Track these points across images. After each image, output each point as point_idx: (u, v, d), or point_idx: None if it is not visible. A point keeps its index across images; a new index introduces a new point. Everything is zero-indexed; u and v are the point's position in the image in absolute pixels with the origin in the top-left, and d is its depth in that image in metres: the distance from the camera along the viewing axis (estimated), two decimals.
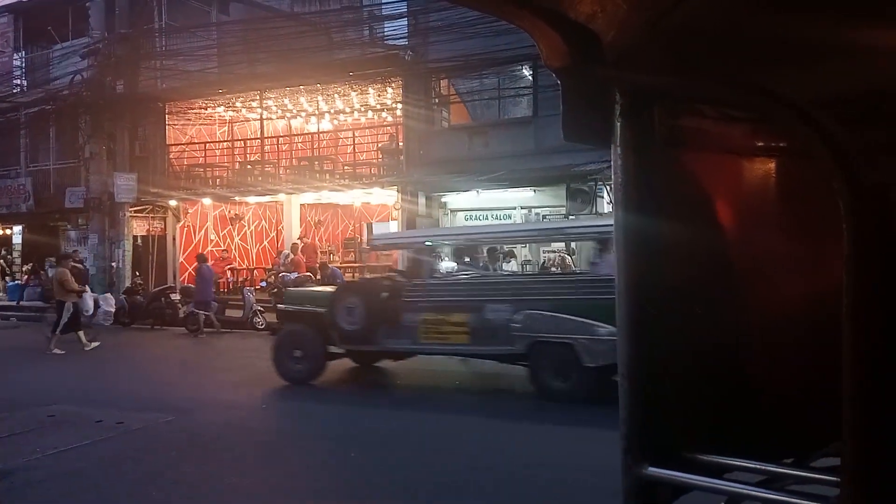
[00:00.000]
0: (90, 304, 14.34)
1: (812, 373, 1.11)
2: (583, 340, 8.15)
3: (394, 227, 18.08)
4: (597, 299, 8.16)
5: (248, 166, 19.54)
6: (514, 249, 16.78)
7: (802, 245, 1.26)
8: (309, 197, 19.44)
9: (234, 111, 20.87)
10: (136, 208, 19.46)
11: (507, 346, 8.58)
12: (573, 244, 16.13)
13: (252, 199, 19.83)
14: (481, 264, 11.85)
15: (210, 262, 19.28)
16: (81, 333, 12.87)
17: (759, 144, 1.24)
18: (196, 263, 16.59)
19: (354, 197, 19.46)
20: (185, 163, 20.43)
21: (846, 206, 0.82)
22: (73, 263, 14.46)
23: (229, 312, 16.27)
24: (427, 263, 9.69)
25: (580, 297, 8.45)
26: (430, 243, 10.00)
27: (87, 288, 15.10)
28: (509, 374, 9.31)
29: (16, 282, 21.57)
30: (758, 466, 1.08)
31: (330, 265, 16.99)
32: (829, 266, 0.94)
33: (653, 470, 1.03)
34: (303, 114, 21.17)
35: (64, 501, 5.39)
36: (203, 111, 20.59)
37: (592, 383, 8.14)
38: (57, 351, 12.43)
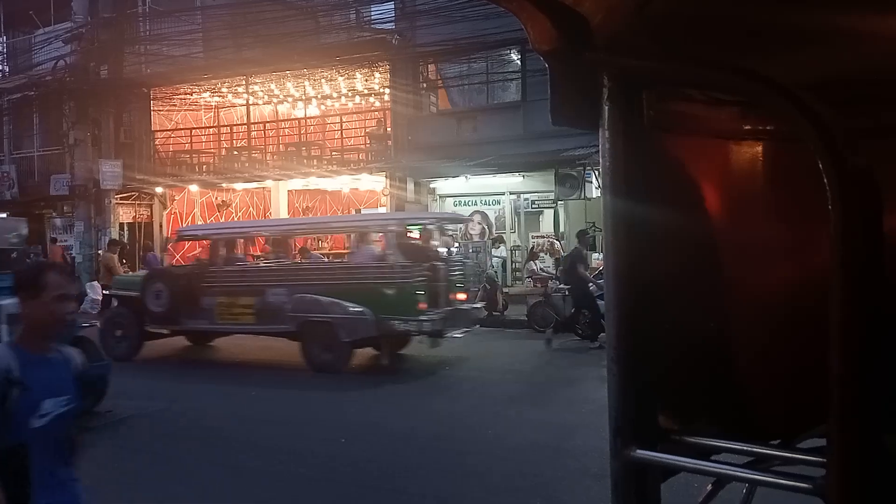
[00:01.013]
0: None
1: (800, 356, 1.13)
2: (339, 319, 9.42)
3: (382, 211, 18.03)
4: (352, 284, 9.59)
5: (235, 152, 19.40)
6: (502, 235, 16.82)
7: (791, 229, 1.26)
8: (297, 183, 19.34)
9: (219, 97, 20.68)
10: (121, 195, 19.29)
11: (283, 325, 9.83)
12: (561, 230, 16.20)
13: (239, 186, 19.70)
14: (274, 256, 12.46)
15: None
16: None
17: (748, 128, 1.24)
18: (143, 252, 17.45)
19: (343, 183, 19.37)
20: (171, 149, 20.26)
21: (833, 190, 0.82)
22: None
23: None
24: (222, 252, 10.96)
25: (340, 281, 9.77)
26: (224, 235, 11.50)
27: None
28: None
29: None
30: (745, 448, 1.09)
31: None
32: (818, 250, 0.95)
33: (641, 452, 1.03)
34: (289, 99, 21.00)
35: None
36: (188, 97, 20.38)
37: (350, 356, 9.56)
38: None
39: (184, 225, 20.24)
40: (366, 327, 9.35)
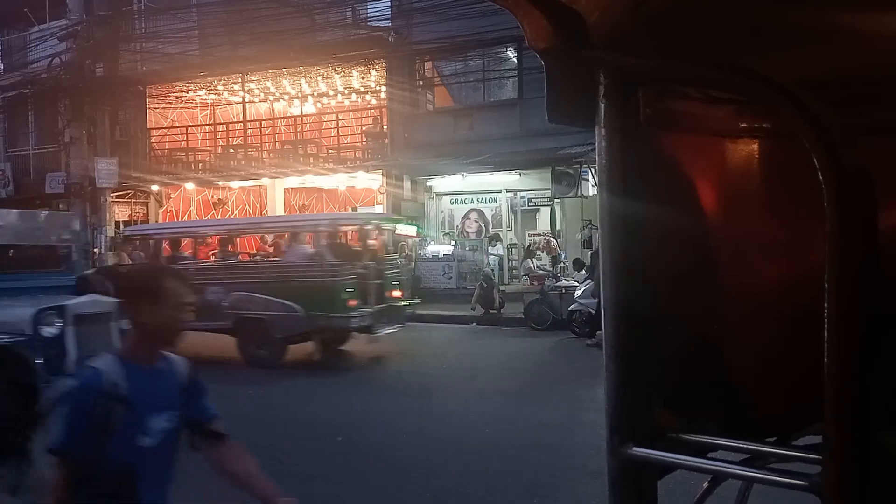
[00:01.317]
0: None
1: (798, 353, 1.13)
2: (272, 316, 9.79)
3: (379, 211, 18.02)
4: (284, 281, 9.95)
5: (231, 150, 19.35)
6: (499, 233, 16.83)
7: (788, 227, 1.26)
8: (293, 181, 19.32)
9: (215, 94, 20.64)
10: (117, 193, 19.25)
11: (221, 321, 10.04)
12: (558, 227, 16.20)
13: (235, 184, 19.68)
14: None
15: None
16: None
17: (745, 126, 1.24)
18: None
19: (339, 181, 19.36)
20: (167, 147, 20.23)
21: (829, 188, 0.82)
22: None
23: None
24: (162, 251, 11.37)
25: (273, 279, 10.13)
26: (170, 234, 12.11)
27: None
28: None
29: None
30: (741, 445, 1.10)
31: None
32: (814, 248, 0.95)
33: (638, 450, 1.03)
34: (286, 97, 20.97)
35: None
36: (184, 94, 20.35)
37: (283, 351, 9.91)
38: None
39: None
40: (298, 323, 9.70)
